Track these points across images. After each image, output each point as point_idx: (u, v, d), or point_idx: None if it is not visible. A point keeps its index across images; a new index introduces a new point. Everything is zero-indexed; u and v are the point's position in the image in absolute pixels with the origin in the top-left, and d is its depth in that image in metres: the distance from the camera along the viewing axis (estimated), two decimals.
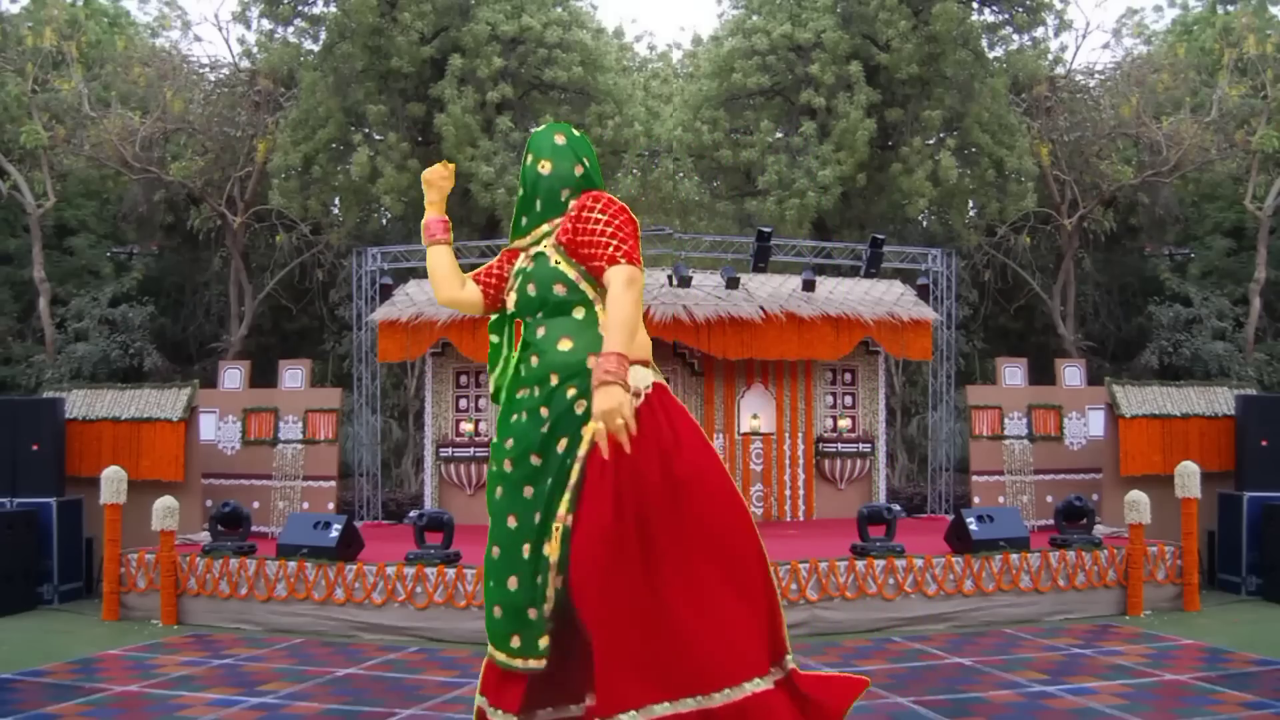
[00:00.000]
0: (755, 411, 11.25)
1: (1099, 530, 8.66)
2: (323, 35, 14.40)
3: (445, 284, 3.36)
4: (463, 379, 11.37)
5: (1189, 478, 8.33)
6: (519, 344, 3.16)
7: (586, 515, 2.88)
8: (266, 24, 15.18)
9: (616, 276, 2.91)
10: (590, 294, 3.05)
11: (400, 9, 13.25)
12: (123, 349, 13.76)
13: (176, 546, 8.00)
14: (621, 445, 2.70)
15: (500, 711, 3.09)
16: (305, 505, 10.16)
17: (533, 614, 3.02)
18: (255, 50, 15.86)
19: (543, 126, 3.35)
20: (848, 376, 11.67)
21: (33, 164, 13.69)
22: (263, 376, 11.35)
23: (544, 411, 3.00)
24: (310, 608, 7.64)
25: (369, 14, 13.00)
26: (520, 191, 3.28)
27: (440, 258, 3.38)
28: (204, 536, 8.63)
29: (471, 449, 10.89)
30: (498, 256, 3.41)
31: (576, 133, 3.28)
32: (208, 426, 10.36)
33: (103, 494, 8.13)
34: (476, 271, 3.41)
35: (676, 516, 2.86)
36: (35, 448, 8.85)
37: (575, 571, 2.90)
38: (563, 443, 2.98)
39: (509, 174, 13.00)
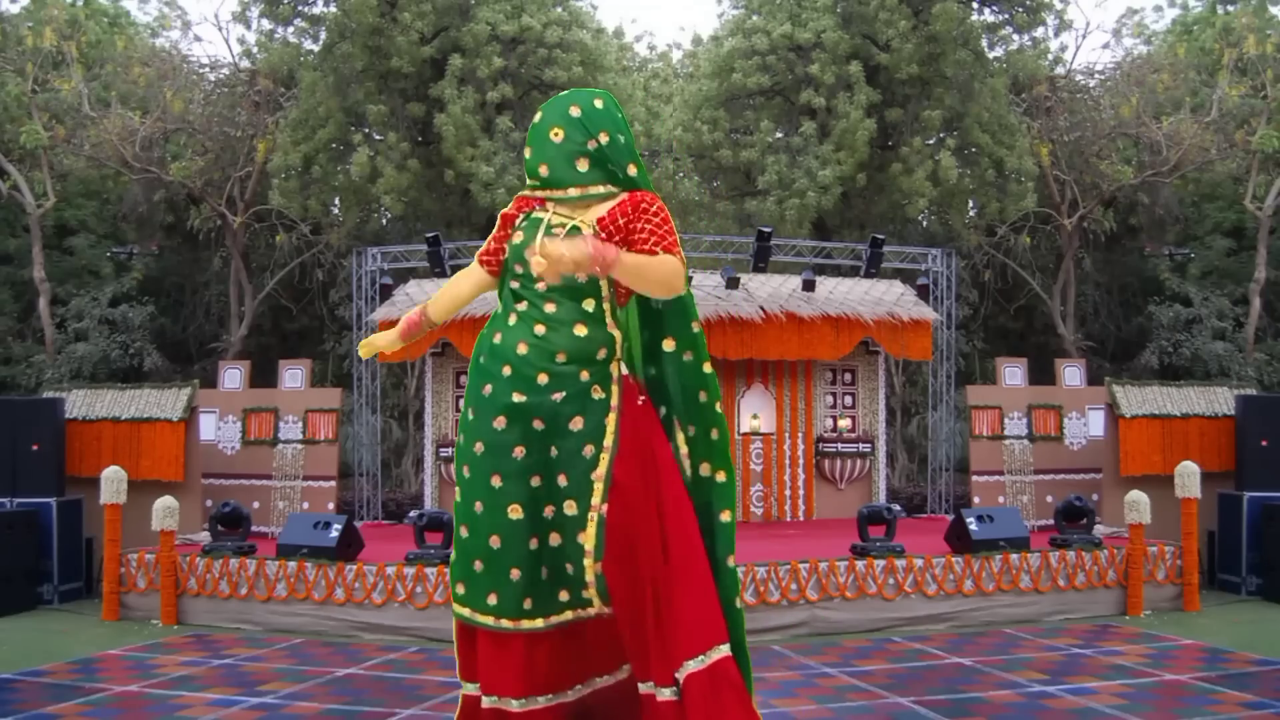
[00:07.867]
0: (755, 411, 11.26)
1: (1099, 530, 8.66)
2: (323, 35, 14.39)
3: (457, 301, 3.35)
4: (463, 379, 11.28)
5: (1189, 478, 8.33)
6: (516, 300, 3.12)
7: (619, 505, 3.01)
8: (266, 24, 15.18)
9: (668, 260, 2.96)
10: (605, 290, 3.06)
11: (400, 9, 13.25)
12: (123, 349, 13.76)
13: (176, 546, 8.00)
14: (646, 443, 3.05)
15: (497, 696, 3.12)
16: (305, 505, 10.15)
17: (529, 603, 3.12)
18: (255, 50, 15.86)
19: (568, 94, 3.20)
20: (848, 376, 11.67)
21: (33, 164, 13.68)
22: (263, 376, 11.35)
23: (543, 379, 3.03)
24: (310, 608, 7.64)
25: (369, 14, 12.99)
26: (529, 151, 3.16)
27: (441, 303, 3.36)
28: (204, 536, 8.63)
29: None
30: (499, 225, 3.26)
31: (599, 103, 3.12)
32: (208, 426, 10.35)
33: (103, 494, 8.12)
34: (482, 252, 3.29)
35: (662, 507, 3.08)
36: (35, 448, 8.84)
37: (612, 558, 3.02)
38: (577, 421, 3.04)
39: (509, 174, 12.99)
